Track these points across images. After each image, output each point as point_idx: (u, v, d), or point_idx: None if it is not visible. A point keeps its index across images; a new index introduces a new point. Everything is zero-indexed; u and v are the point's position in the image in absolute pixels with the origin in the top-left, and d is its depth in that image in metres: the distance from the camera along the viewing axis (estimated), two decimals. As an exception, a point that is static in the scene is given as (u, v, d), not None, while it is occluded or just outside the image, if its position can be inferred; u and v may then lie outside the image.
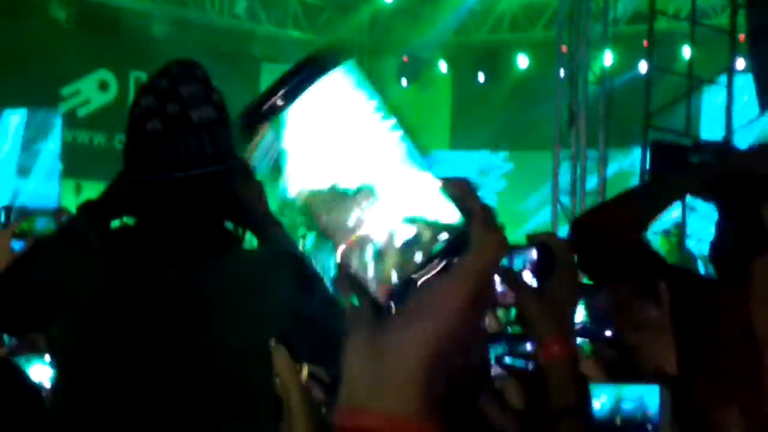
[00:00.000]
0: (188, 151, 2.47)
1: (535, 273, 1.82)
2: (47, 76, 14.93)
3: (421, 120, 15.69)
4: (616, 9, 14.64)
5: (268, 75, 16.23)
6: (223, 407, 2.47)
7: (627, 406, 2.35)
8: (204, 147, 2.48)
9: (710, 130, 13.89)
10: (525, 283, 1.83)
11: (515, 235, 1.69)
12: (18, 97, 14.04)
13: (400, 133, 0.88)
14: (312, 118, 0.86)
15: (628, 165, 15.10)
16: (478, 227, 0.86)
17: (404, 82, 18.07)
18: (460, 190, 0.87)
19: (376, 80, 0.85)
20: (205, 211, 2.55)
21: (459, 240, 0.87)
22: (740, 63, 12.00)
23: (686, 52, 12.84)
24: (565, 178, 13.13)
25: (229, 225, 2.64)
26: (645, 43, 12.32)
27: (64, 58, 15.11)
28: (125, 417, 2.47)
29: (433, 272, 0.85)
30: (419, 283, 0.85)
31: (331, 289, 2.53)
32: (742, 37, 11.21)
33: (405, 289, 0.85)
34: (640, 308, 2.91)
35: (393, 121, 0.87)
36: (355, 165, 0.86)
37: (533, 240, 1.86)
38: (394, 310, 0.83)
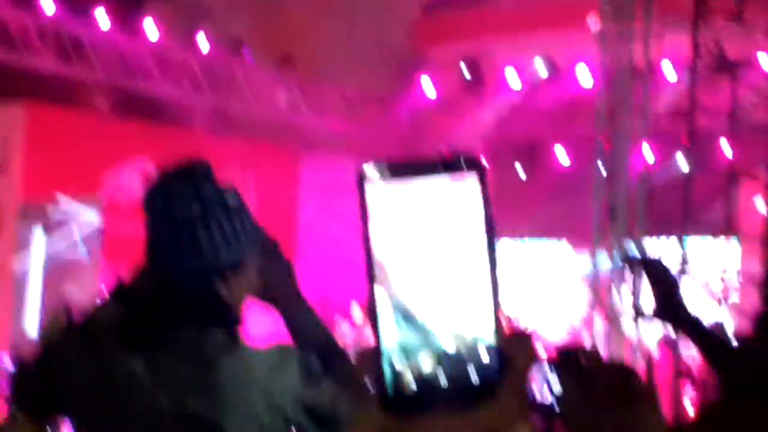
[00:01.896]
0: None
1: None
2: (87, 163, 15.03)
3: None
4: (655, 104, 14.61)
5: (309, 165, 16.27)
6: None
7: None
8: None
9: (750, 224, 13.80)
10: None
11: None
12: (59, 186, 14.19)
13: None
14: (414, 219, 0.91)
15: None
16: None
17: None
18: None
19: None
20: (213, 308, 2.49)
21: None
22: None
23: (725, 146, 12.81)
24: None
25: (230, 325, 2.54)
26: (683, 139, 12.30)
27: (104, 146, 15.24)
28: None
29: None
30: None
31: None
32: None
33: None
34: None
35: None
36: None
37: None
38: None
